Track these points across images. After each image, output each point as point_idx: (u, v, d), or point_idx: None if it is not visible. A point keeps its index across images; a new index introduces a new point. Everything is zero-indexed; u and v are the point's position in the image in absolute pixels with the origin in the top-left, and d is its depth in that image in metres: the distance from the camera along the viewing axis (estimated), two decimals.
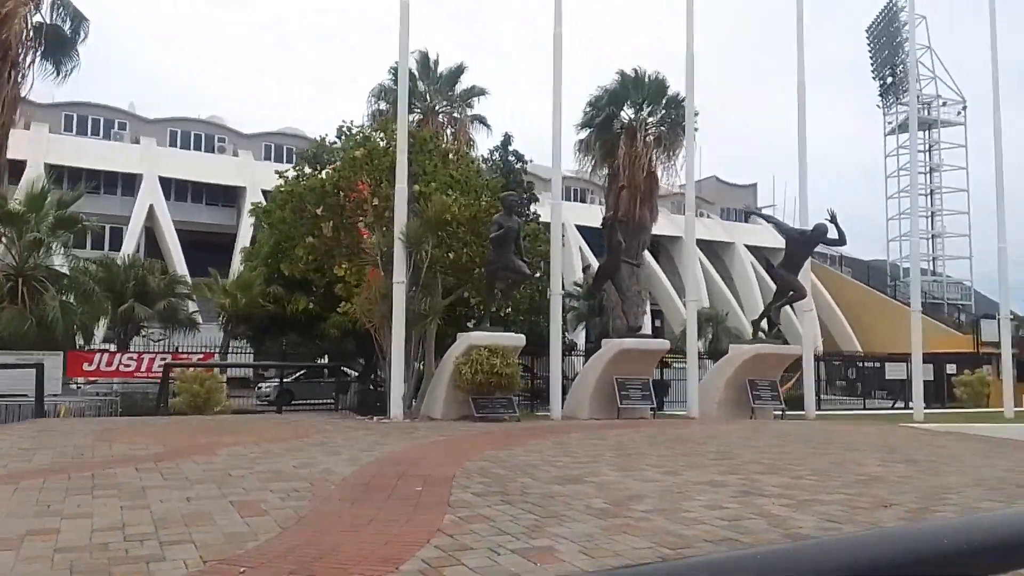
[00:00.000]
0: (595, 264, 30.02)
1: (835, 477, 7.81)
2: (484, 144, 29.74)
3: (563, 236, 54.66)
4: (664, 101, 32.84)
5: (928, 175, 65.46)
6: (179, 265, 41.77)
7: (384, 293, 13.35)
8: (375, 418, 13.36)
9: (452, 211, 14.40)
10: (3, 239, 21.53)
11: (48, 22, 15.99)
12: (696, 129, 32.42)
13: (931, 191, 65.27)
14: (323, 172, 15.60)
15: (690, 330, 15.86)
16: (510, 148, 30.04)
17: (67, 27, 16.03)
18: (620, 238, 15.66)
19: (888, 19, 63.33)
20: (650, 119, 32.56)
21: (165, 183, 46.46)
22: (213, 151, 51.01)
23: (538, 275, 20.68)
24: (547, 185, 59.80)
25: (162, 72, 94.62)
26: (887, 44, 63.90)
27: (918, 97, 65.15)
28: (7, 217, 21.35)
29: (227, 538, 4.90)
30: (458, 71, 27.40)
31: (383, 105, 26.68)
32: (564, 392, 15.25)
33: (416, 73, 27.12)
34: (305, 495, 6.35)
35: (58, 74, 16.19)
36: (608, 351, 14.77)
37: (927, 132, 65.34)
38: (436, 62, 27.30)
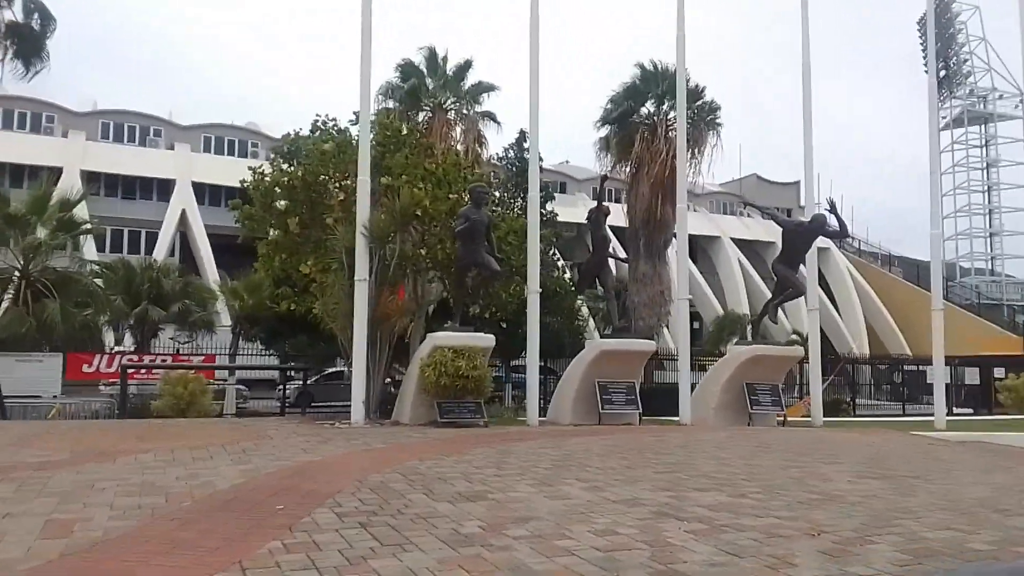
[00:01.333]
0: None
1: (785, 495, 6.78)
2: (497, 142, 28.99)
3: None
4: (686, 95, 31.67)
5: (985, 171, 62.55)
6: (210, 269, 42.01)
7: (348, 291, 12.65)
8: (335, 423, 12.65)
9: (424, 204, 13.65)
10: (9, 242, 21.47)
11: (20, 20, 15.70)
12: (719, 124, 31.58)
13: (988, 187, 62.35)
14: (291, 166, 15.00)
15: (681, 329, 14.76)
16: (525, 145, 29.15)
17: (35, 24, 15.74)
18: (605, 233, 14.64)
19: (939, 11, 60.65)
20: (672, 113, 31.43)
21: (199, 188, 46.88)
22: (246, 156, 51.25)
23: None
24: (580, 185, 58.57)
25: (204, 81, 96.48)
26: (939, 36, 61.14)
27: (972, 91, 62.47)
28: (9, 219, 21.33)
29: None
30: (465, 67, 26.62)
31: (391, 103, 26.09)
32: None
33: (424, 70, 26.49)
34: (144, 512, 5.61)
35: (27, 72, 15.88)
36: (589, 352, 13.81)
37: (983, 126, 62.51)
38: (445, 59, 26.59)
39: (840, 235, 15.37)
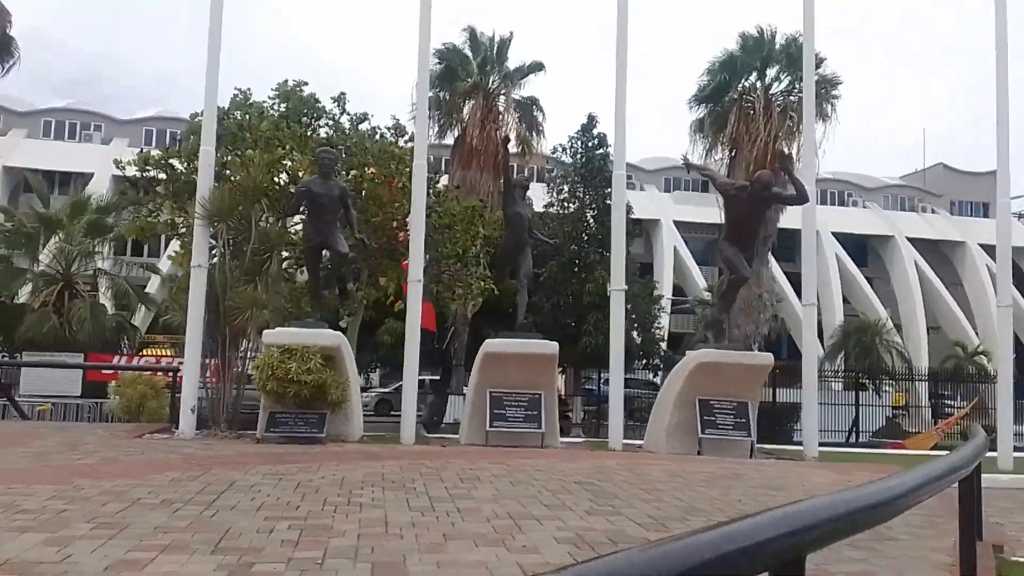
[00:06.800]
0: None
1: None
2: (553, 130, 26.17)
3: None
4: (793, 64, 27.20)
5: None
6: None
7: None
8: (170, 433, 10.87)
9: (300, 177, 11.62)
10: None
11: None
12: (836, 97, 26.59)
13: None
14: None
15: (614, 335, 11.22)
16: (593, 132, 26.15)
17: None
18: (519, 209, 11.51)
19: None
20: (774, 87, 27.11)
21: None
22: None
23: None
24: (650, 176, 53.73)
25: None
26: None
27: None
28: (47, 223, 21.94)
29: None
30: (505, 45, 24.20)
31: (431, 92, 24.30)
32: None
33: (469, 54, 24.49)
34: None
35: (2, 70, 15.80)
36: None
37: None
38: (492, 39, 24.35)
39: (795, 201, 11.21)
